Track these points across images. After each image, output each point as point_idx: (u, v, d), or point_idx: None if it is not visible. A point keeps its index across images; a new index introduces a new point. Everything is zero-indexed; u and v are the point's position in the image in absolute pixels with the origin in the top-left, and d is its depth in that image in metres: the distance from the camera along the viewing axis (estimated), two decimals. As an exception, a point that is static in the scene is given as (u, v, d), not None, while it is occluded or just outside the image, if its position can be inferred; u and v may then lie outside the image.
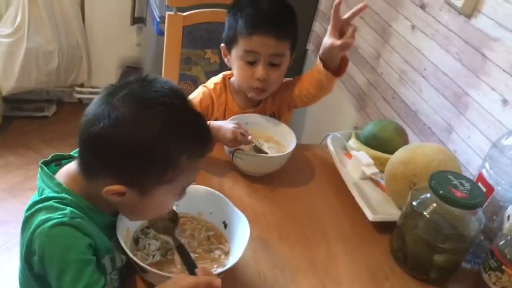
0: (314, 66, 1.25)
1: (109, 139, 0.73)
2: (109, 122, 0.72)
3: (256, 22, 1.19)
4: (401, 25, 1.57)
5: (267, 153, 1.19)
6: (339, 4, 1.14)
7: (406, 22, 1.55)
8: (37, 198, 0.78)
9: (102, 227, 0.79)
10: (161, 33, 1.91)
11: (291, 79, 1.34)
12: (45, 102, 2.68)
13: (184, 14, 1.70)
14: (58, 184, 0.78)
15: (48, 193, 0.78)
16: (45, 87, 2.57)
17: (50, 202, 0.75)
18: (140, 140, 0.72)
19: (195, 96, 1.32)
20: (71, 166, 0.82)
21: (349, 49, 1.17)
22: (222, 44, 1.30)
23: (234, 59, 1.25)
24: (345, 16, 1.15)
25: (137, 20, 2.57)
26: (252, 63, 1.22)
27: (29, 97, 2.62)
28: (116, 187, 0.75)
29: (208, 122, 1.14)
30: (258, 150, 1.19)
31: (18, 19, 2.28)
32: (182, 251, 0.86)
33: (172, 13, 1.68)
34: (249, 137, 1.13)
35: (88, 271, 0.72)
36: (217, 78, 1.35)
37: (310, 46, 2.26)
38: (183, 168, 0.76)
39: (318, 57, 1.22)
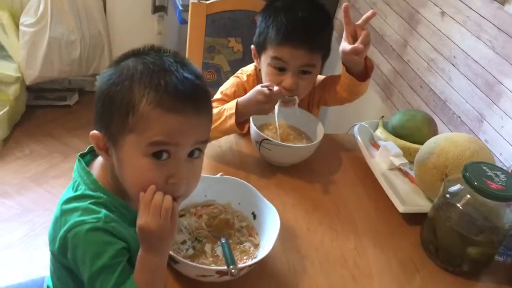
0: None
1: (97, 90, 0.76)
2: (102, 78, 0.76)
3: (288, 33, 1.15)
4: (430, 11, 1.53)
5: (296, 102, 1.18)
6: (347, 9, 1.12)
7: (435, 8, 1.51)
8: (72, 193, 0.78)
9: (134, 223, 0.79)
10: (183, 21, 1.90)
11: (324, 77, 1.32)
12: (67, 91, 2.70)
13: (208, 2, 1.68)
14: (95, 182, 0.79)
15: (84, 189, 0.78)
16: (68, 76, 2.59)
17: (86, 204, 0.76)
18: (112, 84, 0.74)
19: (229, 86, 1.29)
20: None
21: (363, 54, 1.14)
22: (253, 46, 1.26)
23: (263, 64, 1.22)
24: (358, 22, 1.14)
25: (158, 9, 2.56)
26: (281, 70, 1.19)
27: (51, 86, 2.63)
28: (95, 132, 0.76)
29: (236, 100, 1.14)
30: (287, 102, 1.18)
31: (41, 8, 2.29)
32: (228, 247, 0.86)
33: (195, 1, 1.67)
34: (275, 88, 1.09)
35: (116, 272, 0.73)
36: (249, 70, 1.33)
37: (334, 34, 2.22)
38: (143, 115, 0.71)
39: (341, 62, 1.19)
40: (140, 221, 0.72)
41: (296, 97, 1.19)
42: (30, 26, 2.30)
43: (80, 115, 2.60)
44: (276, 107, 1.16)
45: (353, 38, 1.14)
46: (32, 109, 2.55)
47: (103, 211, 0.75)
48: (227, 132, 1.16)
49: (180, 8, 1.92)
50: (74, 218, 0.74)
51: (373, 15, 1.13)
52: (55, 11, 2.32)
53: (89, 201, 0.76)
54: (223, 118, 1.13)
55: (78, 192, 0.78)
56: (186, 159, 0.75)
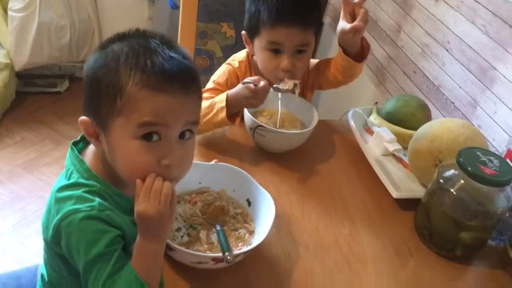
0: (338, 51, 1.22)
1: (84, 75, 0.75)
2: (89, 62, 0.75)
3: (280, 12, 1.14)
4: (424, -4, 1.53)
5: (288, 90, 1.17)
6: None
7: (429, -7, 1.50)
8: (66, 181, 0.78)
9: (130, 211, 0.79)
10: (175, 6, 1.88)
11: (318, 60, 1.31)
12: (57, 77, 2.67)
13: (200, -14, 1.66)
14: (88, 170, 0.78)
15: (77, 178, 0.77)
16: (57, 62, 2.56)
17: (80, 192, 0.75)
18: (99, 67, 0.73)
19: (221, 75, 1.28)
20: None
21: (361, 33, 1.13)
22: (243, 32, 1.25)
23: (258, 49, 1.21)
24: (355, 0, 1.12)
25: (149, -6, 2.53)
26: (276, 52, 1.18)
27: (41, 73, 2.60)
28: (84, 118, 0.75)
29: (226, 92, 1.13)
30: (278, 89, 1.17)
31: (30, -7, 2.25)
32: (223, 234, 0.85)
33: (187, -15, 1.64)
34: (262, 83, 1.07)
35: (112, 260, 0.72)
36: (241, 56, 1.31)
37: (327, 19, 2.21)
38: (130, 97, 0.71)
39: (338, 43, 1.18)
40: (139, 207, 0.72)
41: (297, 84, 1.18)
42: (18, 11, 2.26)
43: (71, 101, 2.57)
44: (279, 94, 1.15)
45: (351, 17, 1.13)
46: (22, 96, 2.52)
47: (97, 199, 0.75)
48: (219, 125, 1.15)
49: (172, -8, 1.90)
50: (68, 206, 0.73)
51: None
52: (44, -5, 2.28)
53: (82, 190, 0.75)
54: (214, 111, 1.12)
55: (72, 180, 0.77)
56: (177, 141, 0.75)
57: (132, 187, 0.77)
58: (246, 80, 1.10)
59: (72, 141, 0.83)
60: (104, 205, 0.75)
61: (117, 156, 0.75)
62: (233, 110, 1.13)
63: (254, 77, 1.11)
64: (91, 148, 0.81)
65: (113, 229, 0.74)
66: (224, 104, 1.10)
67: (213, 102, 1.13)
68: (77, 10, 2.42)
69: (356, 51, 1.18)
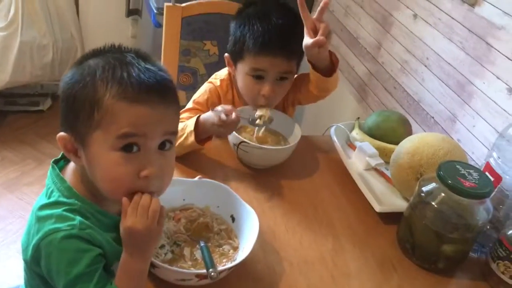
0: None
1: (61, 91, 0.75)
2: (66, 78, 0.75)
3: (265, 42, 1.14)
4: (403, 14, 1.56)
5: (266, 122, 1.18)
6: (302, 2, 1.10)
7: (407, 11, 1.54)
8: (46, 200, 0.77)
9: (113, 229, 0.79)
10: (158, 25, 1.89)
11: (297, 76, 1.32)
12: (40, 96, 2.64)
13: (183, 5, 1.67)
14: (69, 188, 0.77)
15: (57, 196, 0.76)
16: (40, 81, 2.54)
17: (60, 211, 0.74)
18: (75, 82, 0.73)
19: (202, 93, 1.28)
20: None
21: (325, 47, 1.11)
22: (227, 54, 1.25)
23: (240, 73, 1.21)
24: (314, 16, 1.12)
25: (132, 12, 2.54)
26: (258, 78, 1.19)
27: (23, 91, 2.58)
28: (63, 134, 0.74)
29: (197, 115, 1.12)
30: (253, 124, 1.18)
31: (12, 12, 2.24)
32: (207, 251, 0.85)
33: (170, 4, 1.66)
34: (233, 116, 1.06)
35: (94, 280, 0.72)
36: (223, 74, 1.32)
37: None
38: (108, 109, 0.70)
39: (307, 60, 1.18)
40: (128, 222, 0.72)
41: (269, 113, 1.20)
42: (0, 30, 2.25)
43: (53, 120, 2.55)
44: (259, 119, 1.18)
45: (314, 32, 1.12)
46: (3, 115, 2.50)
47: (78, 217, 0.74)
48: (189, 148, 1.12)
49: (155, 11, 1.90)
50: (48, 225, 0.72)
51: (326, 4, 1.10)
52: (26, 14, 2.27)
53: (63, 208, 0.74)
54: (185, 135, 1.11)
55: (52, 199, 0.76)
56: (156, 151, 0.74)
57: (114, 203, 0.77)
58: (218, 108, 1.08)
59: (53, 160, 0.82)
60: (85, 223, 0.74)
61: (96, 169, 0.74)
62: (203, 134, 1.11)
63: (227, 107, 1.09)
64: (71, 165, 0.81)
65: (95, 248, 0.73)
66: (192, 128, 1.09)
67: (184, 126, 1.12)
68: (60, 28, 2.42)
69: (326, 65, 1.18)
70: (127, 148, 0.72)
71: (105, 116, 0.71)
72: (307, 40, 1.11)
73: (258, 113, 1.20)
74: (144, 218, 0.71)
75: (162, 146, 0.75)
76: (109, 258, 0.77)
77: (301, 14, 1.12)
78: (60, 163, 0.82)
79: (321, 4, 1.10)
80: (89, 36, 2.58)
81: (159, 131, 0.74)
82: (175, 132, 0.77)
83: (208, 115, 1.10)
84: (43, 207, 0.76)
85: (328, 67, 1.18)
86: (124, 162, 0.72)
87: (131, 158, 0.72)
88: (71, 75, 0.75)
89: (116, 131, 0.71)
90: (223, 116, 1.06)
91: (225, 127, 1.07)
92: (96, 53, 0.76)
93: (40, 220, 0.74)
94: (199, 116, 1.12)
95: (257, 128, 1.20)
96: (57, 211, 0.74)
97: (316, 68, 1.18)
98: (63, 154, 0.82)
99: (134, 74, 0.71)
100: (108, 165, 0.72)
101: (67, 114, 0.75)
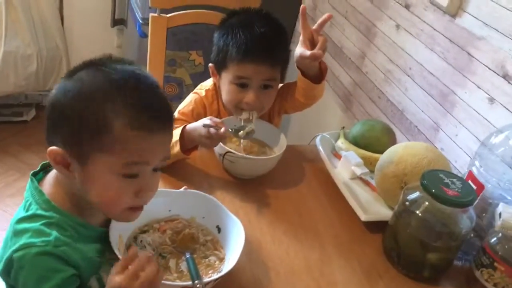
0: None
1: (57, 104, 0.74)
2: (60, 90, 0.74)
3: (248, 49, 1.15)
4: (386, 24, 1.59)
5: (250, 133, 1.18)
6: (304, 12, 1.11)
7: (390, 22, 1.56)
8: (24, 213, 0.76)
9: (95, 240, 0.78)
10: (143, 35, 1.89)
11: (282, 85, 1.33)
12: (23, 106, 2.62)
13: (168, 15, 1.68)
14: (47, 201, 0.76)
15: (35, 209, 0.76)
16: (24, 91, 2.52)
17: (37, 225, 0.73)
18: (77, 101, 0.72)
19: (187, 104, 1.28)
20: (55, 172, 0.80)
21: (319, 60, 1.13)
22: (211, 64, 1.26)
23: (224, 81, 1.22)
24: (314, 27, 1.13)
25: (118, 22, 2.54)
26: (242, 86, 1.19)
27: (7, 102, 2.55)
28: (56, 149, 0.73)
29: (184, 125, 1.12)
30: (236, 135, 1.18)
31: (-5, 21, 2.23)
32: (193, 262, 0.85)
33: (155, 14, 1.66)
34: (222, 130, 1.07)
35: None
36: (208, 85, 1.32)
37: (293, 47, 2.26)
38: (120, 137, 0.71)
39: (296, 66, 1.19)
40: (115, 278, 0.69)
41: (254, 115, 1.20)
42: (-17, 40, 2.23)
43: (37, 131, 2.52)
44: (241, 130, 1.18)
45: (310, 43, 1.14)
46: (-14, 126, 2.47)
47: (54, 233, 0.73)
48: (174, 158, 1.11)
49: (140, 21, 1.91)
50: (24, 239, 0.72)
51: (329, 18, 1.12)
52: (10, 23, 2.26)
53: (40, 222, 0.74)
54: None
55: (30, 212, 0.75)
56: (151, 173, 0.78)
57: (97, 215, 0.78)
58: (207, 121, 1.08)
59: (31, 172, 0.81)
60: (61, 240, 0.73)
61: (93, 187, 0.75)
62: (188, 144, 1.11)
63: (216, 120, 1.09)
64: (51, 177, 0.80)
65: (68, 268, 0.73)
66: (178, 138, 1.09)
67: None
68: (44, 38, 2.40)
69: (314, 73, 1.19)
70: (131, 175, 0.75)
71: (115, 143, 0.72)
72: (302, 50, 1.12)
73: (244, 117, 1.20)
74: (133, 281, 0.69)
75: (155, 168, 0.78)
76: (86, 274, 0.76)
77: (300, 23, 1.13)
78: (39, 175, 0.82)
79: (323, 17, 1.12)
80: (74, 45, 2.57)
81: (159, 157, 0.77)
82: (168, 156, 0.80)
83: (195, 126, 1.10)
84: (20, 220, 0.75)
85: (317, 75, 1.19)
86: (124, 186, 0.75)
87: (131, 181, 0.75)
88: (65, 88, 0.74)
89: (125, 159, 0.73)
90: (212, 130, 1.06)
91: (212, 139, 1.08)
92: (92, 64, 0.76)
93: (17, 233, 0.74)
94: (185, 126, 1.12)
95: (240, 138, 1.20)
96: (35, 225, 0.73)
97: (305, 75, 1.19)
98: (42, 166, 0.82)
99: (143, 101, 0.73)
100: (109, 186, 0.75)
101: (64, 129, 0.73)
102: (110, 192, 0.75)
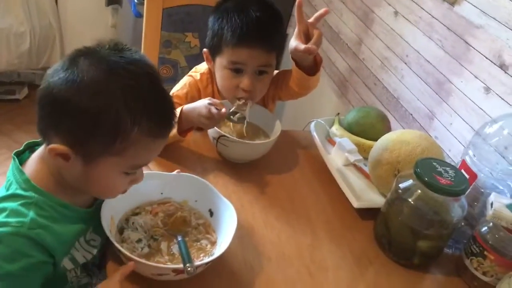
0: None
1: (63, 98, 0.71)
2: (67, 82, 0.71)
3: (244, 34, 1.13)
4: (384, 11, 1.57)
5: (245, 117, 1.17)
6: (300, 5, 1.10)
7: (389, 8, 1.55)
8: (4, 192, 0.76)
9: (77, 220, 0.78)
10: (139, 15, 1.87)
11: (278, 71, 1.32)
12: (16, 84, 2.59)
13: (164, -4, 1.66)
14: (27, 181, 0.76)
15: (15, 189, 0.76)
16: (16, 69, 2.49)
17: (16, 205, 0.73)
18: (93, 104, 0.70)
19: (181, 87, 1.26)
20: (39, 151, 0.80)
21: (313, 54, 1.13)
22: (205, 50, 1.24)
23: (219, 67, 1.20)
24: (310, 20, 1.13)
25: (113, 1, 2.50)
26: (237, 72, 1.18)
27: (-1, 80, 2.53)
28: (61, 147, 0.72)
29: (182, 106, 1.12)
30: (230, 118, 1.18)
31: (-13, -2, 2.19)
32: (184, 245, 0.85)
33: (151, -6, 1.64)
34: (223, 110, 1.07)
35: (22, 283, 0.72)
36: (203, 68, 1.31)
37: (290, 31, 2.24)
38: (133, 143, 0.73)
39: (290, 57, 1.19)
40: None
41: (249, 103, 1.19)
42: (-25, 16, 2.19)
43: (29, 109, 2.50)
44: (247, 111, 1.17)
45: (305, 36, 1.13)
46: (-22, 103, 2.44)
47: (31, 214, 0.73)
48: (170, 140, 1.08)
49: (136, 1, 1.88)
50: (0, 218, 0.72)
51: (325, 13, 1.11)
52: (3, 1, 2.22)
53: (19, 202, 0.74)
54: None
55: (9, 192, 0.76)
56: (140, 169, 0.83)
57: (82, 196, 0.81)
58: (206, 101, 1.08)
59: (14, 152, 0.81)
60: (37, 222, 0.73)
61: (93, 181, 0.77)
62: (185, 125, 1.11)
63: (216, 100, 1.09)
64: (34, 157, 0.80)
65: (37, 254, 0.73)
66: (176, 120, 1.09)
67: None
68: (37, 16, 2.37)
69: (309, 64, 1.18)
70: (132, 172, 0.80)
71: (129, 148, 0.73)
72: (297, 44, 1.11)
73: (237, 105, 1.19)
74: None
75: None
76: (60, 256, 0.77)
77: (296, 16, 1.12)
78: (25, 155, 0.81)
79: (320, 11, 1.11)
80: (68, 24, 2.54)
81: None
82: None
83: (194, 106, 1.09)
84: (0, 199, 0.75)
85: (312, 66, 1.18)
86: (124, 179, 0.80)
87: (130, 175, 0.80)
88: (66, 78, 0.71)
89: (133, 161, 0.77)
90: (213, 109, 1.05)
91: (212, 120, 1.07)
92: (90, 54, 0.73)
93: None
94: (182, 107, 1.11)
95: (232, 123, 1.19)
96: (13, 204, 0.73)
97: (299, 66, 1.18)
98: (26, 145, 0.82)
99: (160, 107, 0.76)
100: (112, 183, 0.79)
101: (68, 126, 0.72)
102: (109, 185, 0.79)
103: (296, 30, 1.13)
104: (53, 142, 0.73)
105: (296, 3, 1.12)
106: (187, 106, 1.11)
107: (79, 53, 0.74)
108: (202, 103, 1.08)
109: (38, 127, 0.76)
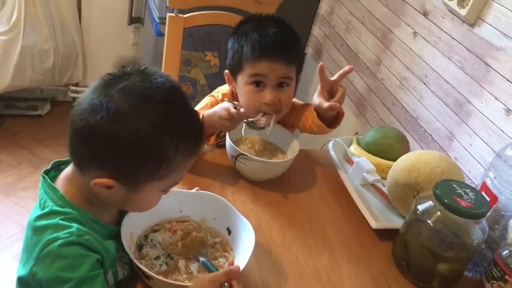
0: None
1: (105, 132, 0.71)
2: (107, 115, 0.70)
3: (263, 47, 1.16)
4: (403, 31, 1.58)
5: (262, 127, 1.20)
6: (322, 69, 1.16)
7: (408, 28, 1.55)
8: (40, 211, 0.77)
9: (106, 237, 0.79)
10: (160, 34, 1.90)
11: (300, 103, 1.33)
12: (39, 100, 2.64)
13: (185, 15, 1.69)
14: (62, 197, 0.77)
15: (51, 206, 0.76)
16: (40, 86, 2.55)
17: (56, 220, 0.74)
18: (138, 136, 0.71)
19: (203, 106, 1.28)
20: (68, 170, 0.81)
21: (336, 111, 1.18)
22: (226, 71, 1.26)
23: (240, 85, 1.21)
24: (333, 78, 1.17)
25: (135, 20, 2.55)
26: (259, 85, 1.19)
27: (22, 95, 2.58)
28: (105, 180, 0.74)
29: (202, 113, 1.14)
30: (252, 125, 1.20)
31: (14, 16, 2.25)
32: (212, 265, 0.88)
33: (173, 14, 1.67)
34: (242, 110, 1.10)
35: (98, 282, 0.72)
36: (225, 89, 1.32)
37: (309, 50, 2.26)
38: (176, 166, 0.76)
39: (313, 108, 1.22)
40: None
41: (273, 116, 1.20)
42: (2, 34, 2.25)
43: (51, 125, 2.55)
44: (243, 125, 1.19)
45: (328, 93, 1.18)
46: (1, 118, 2.49)
47: (75, 225, 0.74)
48: None
49: (157, 20, 1.92)
50: (47, 236, 0.72)
51: (350, 70, 1.17)
52: (29, 19, 2.28)
53: (59, 218, 0.74)
54: None
55: (46, 210, 0.76)
56: None
57: (111, 212, 0.82)
58: (225, 104, 1.12)
59: (43, 170, 0.82)
60: (83, 230, 0.74)
61: (138, 204, 0.81)
62: (208, 131, 1.14)
63: (235, 102, 1.13)
64: (64, 175, 0.81)
65: (94, 253, 0.74)
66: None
67: None
68: (62, 34, 2.42)
69: (331, 117, 1.21)
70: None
71: (172, 171, 0.77)
72: (320, 101, 1.17)
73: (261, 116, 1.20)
74: None
75: None
76: (105, 266, 0.77)
77: (318, 76, 1.17)
78: (51, 173, 0.82)
79: (344, 69, 1.16)
80: (91, 42, 2.59)
81: None
82: None
83: (214, 110, 1.13)
84: (38, 218, 0.75)
85: (334, 118, 1.22)
86: (160, 196, 0.84)
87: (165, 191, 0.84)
88: (101, 107, 0.71)
89: (174, 181, 0.81)
90: (232, 110, 1.09)
91: (232, 120, 1.10)
92: (121, 82, 0.74)
93: (37, 231, 0.74)
94: (202, 114, 1.14)
95: (244, 128, 1.21)
96: (53, 221, 0.74)
97: (320, 117, 1.21)
98: (53, 164, 0.83)
99: (195, 128, 0.80)
100: (150, 201, 0.82)
101: (112, 158, 0.73)
102: (150, 204, 0.83)
103: (318, 87, 1.18)
104: (94, 173, 0.74)
105: (318, 67, 1.17)
106: (207, 112, 1.14)
107: (109, 82, 0.74)
108: (221, 106, 1.12)
109: (75, 160, 0.77)
